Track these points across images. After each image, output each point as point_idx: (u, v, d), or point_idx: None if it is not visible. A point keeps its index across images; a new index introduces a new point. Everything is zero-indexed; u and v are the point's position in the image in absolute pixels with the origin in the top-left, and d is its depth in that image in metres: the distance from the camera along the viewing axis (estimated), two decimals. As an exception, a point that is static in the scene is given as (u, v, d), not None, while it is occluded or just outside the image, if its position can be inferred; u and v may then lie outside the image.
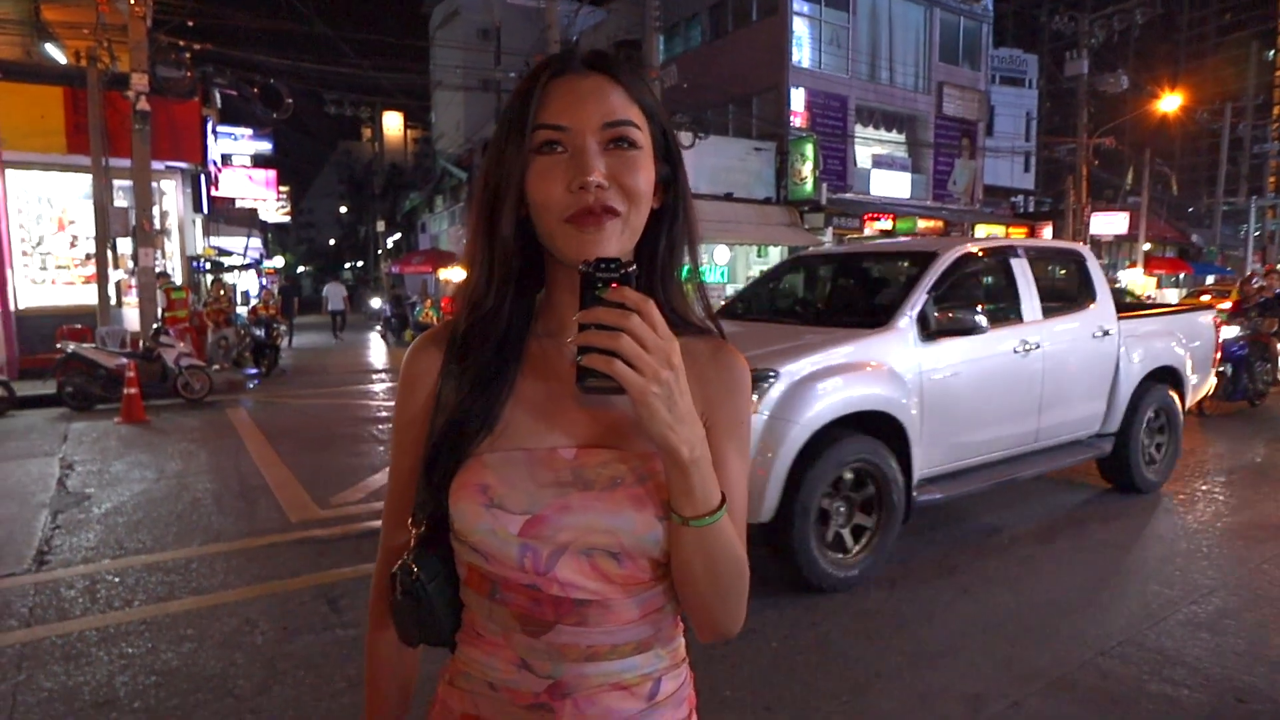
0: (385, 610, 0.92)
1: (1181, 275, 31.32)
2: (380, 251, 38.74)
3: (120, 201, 12.52)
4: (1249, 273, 13.01)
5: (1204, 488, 5.95)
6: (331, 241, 70.04)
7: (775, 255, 22.79)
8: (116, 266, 12.89)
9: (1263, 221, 35.75)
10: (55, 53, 14.30)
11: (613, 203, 0.79)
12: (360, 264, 53.17)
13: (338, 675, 3.14)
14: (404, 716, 0.98)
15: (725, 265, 20.47)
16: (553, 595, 0.81)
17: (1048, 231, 27.42)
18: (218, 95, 15.72)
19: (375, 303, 28.28)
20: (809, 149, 21.03)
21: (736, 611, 0.84)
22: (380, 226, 38.13)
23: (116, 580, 4.16)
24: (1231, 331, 9.15)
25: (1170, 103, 26.71)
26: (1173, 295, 28.58)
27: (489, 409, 0.83)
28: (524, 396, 0.85)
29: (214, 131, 16.86)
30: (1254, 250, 32.90)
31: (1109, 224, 27.99)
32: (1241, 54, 39.14)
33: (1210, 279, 29.70)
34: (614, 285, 0.70)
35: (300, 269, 67.51)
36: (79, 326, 10.99)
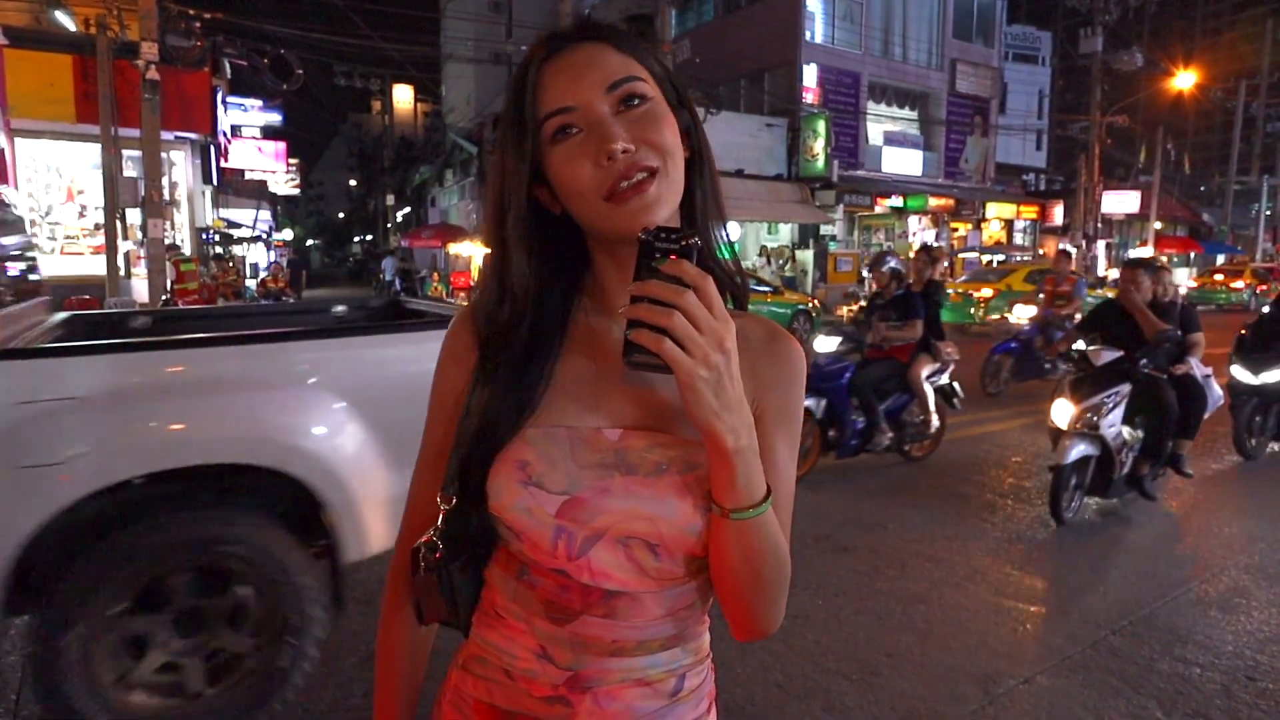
0: (404, 588, 0.89)
1: (1192, 254, 31.13)
2: (389, 225, 38.69)
3: (129, 172, 12.49)
4: (880, 250, 9.25)
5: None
6: (341, 215, 69.94)
7: (785, 232, 22.70)
8: (125, 237, 12.90)
9: (1274, 201, 35.39)
10: (65, 20, 14.19)
11: (647, 161, 0.75)
12: (369, 237, 53.13)
13: (346, 656, 3.17)
14: (415, 697, 0.95)
15: (736, 242, 20.34)
16: (582, 583, 0.78)
17: (1059, 210, 27.24)
18: (228, 65, 15.63)
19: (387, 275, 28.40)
20: (821, 125, 20.85)
21: (776, 610, 0.81)
22: (390, 200, 38.05)
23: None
24: (829, 344, 6.02)
25: (1184, 80, 26.39)
26: (1183, 274, 28.42)
27: (528, 397, 0.81)
28: (569, 373, 0.83)
29: (224, 102, 16.78)
30: (1265, 229, 32.62)
31: (1120, 203, 27.78)
32: (1258, 31, 38.42)
33: (1220, 258, 29.50)
34: (672, 257, 0.66)
35: (309, 242, 67.51)
36: (87, 297, 11.00)
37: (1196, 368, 5.10)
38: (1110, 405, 4.68)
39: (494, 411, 0.80)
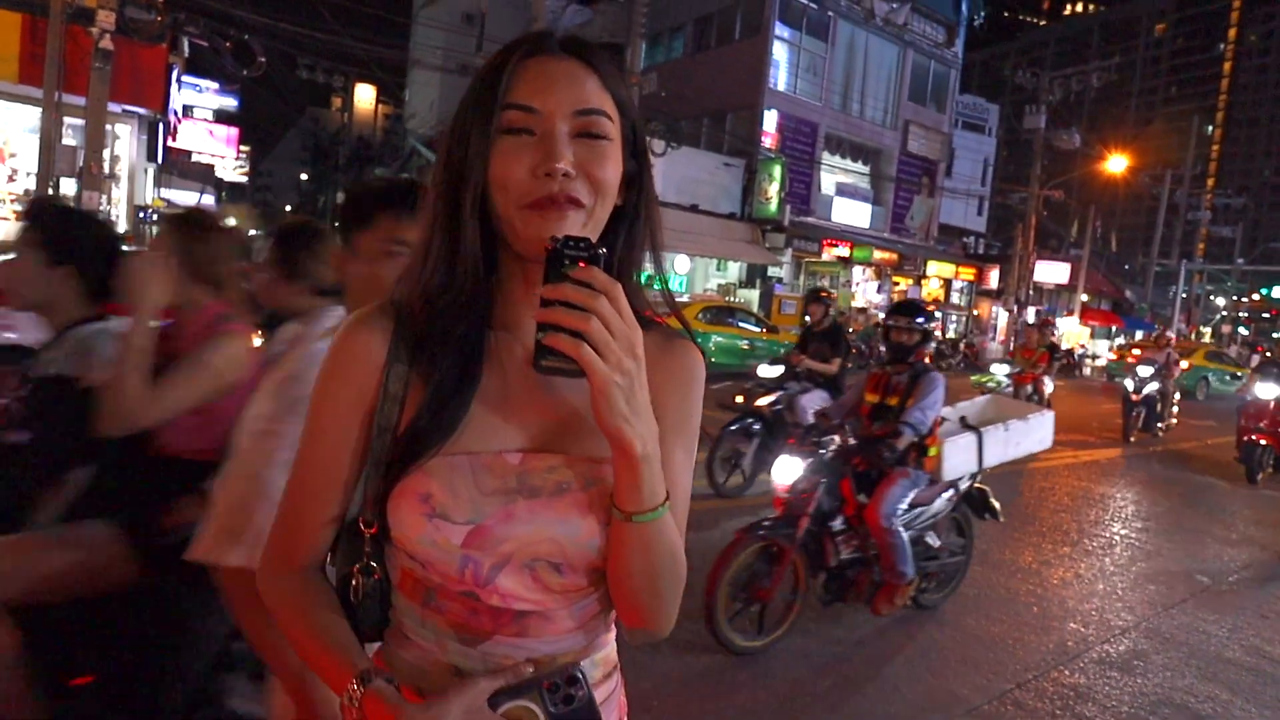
0: (301, 593, 0.84)
1: (1114, 328, 32.79)
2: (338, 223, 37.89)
3: (69, 140, 12.00)
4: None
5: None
6: (288, 207, 68.11)
7: (734, 270, 23.07)
8: (58, 208, 12.35)
9: (1190, 284, 37.61)
10: (16, -22, 13.65)
11: (578, 193, 0.75)
12: (313, 233, 51.71)
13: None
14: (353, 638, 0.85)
15: (685, 275, 20.63)
16: (491, 606, 0.78)
17: (994, 274, 28.37)
18: (187, 44, 15.18)
19: None
20: (777, 170, 21.34)
21: (670, 611, 0.82)
22: (340, 198, 37.30)
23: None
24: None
25: (1116, 164, 27.91)
26: (1104, 346, 29.83)
27: (454, 420, 0.78)
28: (478, 396, 0.80)
29: (178, 80, 16.31)
30: (1180, 311, 34.60)
31: (1052, 272, 29.08)
32: (1184, 125, 41.10)
33: (1139, 334, 31.13)
34: (582, 264, 0.66)
35: (252, 231, 65.55)
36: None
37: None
38: None
39: (418, 430, 0.78)
